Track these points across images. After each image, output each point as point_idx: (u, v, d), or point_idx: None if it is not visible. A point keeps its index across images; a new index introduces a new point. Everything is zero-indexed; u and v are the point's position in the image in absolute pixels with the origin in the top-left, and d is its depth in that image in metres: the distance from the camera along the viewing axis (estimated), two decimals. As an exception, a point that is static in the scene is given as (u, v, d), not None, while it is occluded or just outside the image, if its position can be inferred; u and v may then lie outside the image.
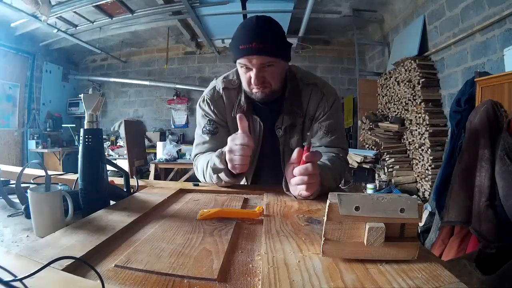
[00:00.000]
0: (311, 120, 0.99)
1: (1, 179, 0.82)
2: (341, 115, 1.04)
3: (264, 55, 0.84)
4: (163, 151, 3.54)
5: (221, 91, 1.00)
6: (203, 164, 0.92)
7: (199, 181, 0.99)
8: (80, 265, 0.41)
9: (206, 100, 1.00)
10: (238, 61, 0.87)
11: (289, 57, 0.93)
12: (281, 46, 0.88)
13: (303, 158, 0.72)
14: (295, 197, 0.78)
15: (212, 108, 1.00)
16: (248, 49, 0.83)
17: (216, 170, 0.85)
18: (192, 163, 1.05)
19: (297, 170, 0.72)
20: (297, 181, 0.73)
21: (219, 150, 0.84)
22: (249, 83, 0.90)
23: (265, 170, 1.06)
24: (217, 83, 1.02)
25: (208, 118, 1.01)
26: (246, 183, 1.08)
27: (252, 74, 0.87)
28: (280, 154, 1.00)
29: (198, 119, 1.04)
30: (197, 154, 1.01)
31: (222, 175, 0.84)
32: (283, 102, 0.97)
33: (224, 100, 1.00)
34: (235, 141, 0.76)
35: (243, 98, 0.98)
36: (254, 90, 0.91)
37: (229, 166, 0.79)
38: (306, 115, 0.99)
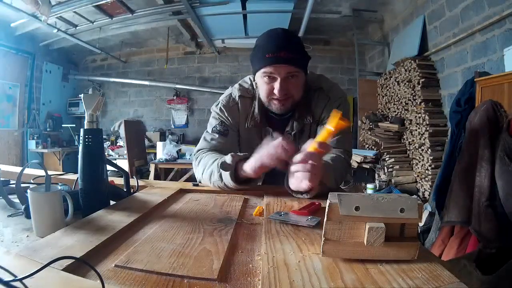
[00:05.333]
0: (317, 124, 1.00)
1: (1, 179, 0.82)
2: (347, 118, 1.04)
3: (292, 64, 0.85)
4: (163, 151, 3.54)
5: (237, 98, 1.01)
6: (208, 160, 0.90)
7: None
8: (80, 265, 0.41)
9: (221, 106, 1.02)
10: (263, 70, 0.87)
11: (307, 71, 0.95)
12: (305, 58, 0.90)
13: (314, 143, 0.70)
14: (291, 192, 0.77)
15: (226, 115, 1.01)
16: (277, 58, 0.83)
17: (224, 167, 0.82)
18: (192, 163, 1.05)
19: (298, 156, 0.69)
20: (299, 168, 0.70)
21: (233, 153, 0.83)
22: (270, 93, 0.90)
23: (274, 177, 1.06)
24: (233, 91, 1.04)
25: (220, 120, 1.02)
26: None
27: (277, 84, 0.86)
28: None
29: (210, 120, 1.05)
30: (201, 150, 1.00)
31: (226, 176, 0.82)
32: (294, 110, 0.98)
33: (239, 108, 1.01)
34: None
35: (256, 110, 0.99)
36: (274, 102, 0.91)
37: (271, 153, 0.74)
38: (313, 120, 0.99)
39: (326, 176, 0.79)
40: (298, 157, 0.70)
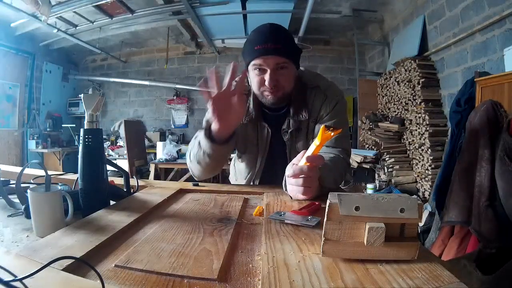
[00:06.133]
0: (315, 122, 1.00)
1: (1, 179, 0.82)
2: (344, 116, 1.03)
3: (279, 55, 0.86)
4: (163, 151, 3.54)
5: None
6: (190, 146, 0.94)
7: (199, 181, 0.99)
8: (80, 265, 0.41)
9: None
10: (252, 62, 0.88)
11: (299, 64, 0.95)
12: (294, 49, 0.91)
13: (304, 158, 0.71)
14: (291, 198, 0.78)
15: None
16: (264, 49, 0.85)
17: (200, 131, 0.87)
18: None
19: (291, 170, 0.70)
20: (292, 183, 0.72)
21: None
22: (261, 84, 0.90)
23: (273, 175, 1.06)
24: None
25: None
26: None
27: (267, 75, 0.88)
28: (287, 158, 1.01)
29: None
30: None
31: (202, 138, 0.85)
32: (289, 106, 0.98)
33: None
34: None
35: (251, 105, 0.99)
36: (266, 93, 0.92)
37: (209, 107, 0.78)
38: (310, 118, 0.99)
39: (326, 178, 0.79)
40: (290, 171, 0.71)
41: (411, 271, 0.40)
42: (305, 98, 0.99)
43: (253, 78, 0.92)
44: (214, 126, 0.82)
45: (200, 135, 0.87)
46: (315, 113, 0.99)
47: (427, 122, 2.73)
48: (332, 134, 0.66)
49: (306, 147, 1.00)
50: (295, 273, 0.40)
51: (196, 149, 0.88)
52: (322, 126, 0.67)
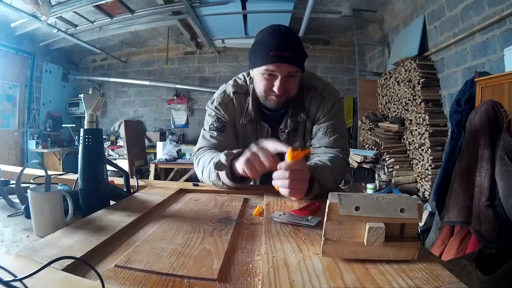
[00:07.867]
0: (312, 123, 1.01)
1: (1, 179, 0.82)
2: (341, 116, 1.04)
3: (294, 64, 0.87)
4: (163, 151, 3.54)
5: (231, 95, 1.02)
6: (206, 159, 0.91)
7: (199, 181, 0.99)
8: (80, 265, 0.41)
9: (217, 105, 1.03)
10: (265, 67, 0.87)
11: (304, 69, 0.96)
12: (304, 57, 0.92)
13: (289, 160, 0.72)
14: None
15: (222, 112, 1.02)
16: (280, 56, 0.85)
17: (218, 166, 0.82)
18: (192, 163, 1.05)
19: (278, 172, 0.72)
20: (277, 184, 0.74)
21: (227, 151, 0.83)
22: (269, 89, 0.90)
23: (269, 174, 1.07)
24: (228, 87, 1.04)
25: (217, 117, 1.02)
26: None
27: (277, 81, 0.88)
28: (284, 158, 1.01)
29: (206, 118, 1.06)
30: (200, 148, 1.01)
31: (223, 174, 0.82)
32: (287, 107, 0.99)
33: (235, 104, 1.02)
34: (263, 150, 0.75)
35: (250, 106, 0.99)
36: (271, 97, 0.92)
37: (242, 165, 0.75)
38: (308, 118, 1.00)
39: (324, 178, 0.79)
40: (277, 173, 0.73)
41: (411, 271, 0.40)
42: (302, 99, 1.00)
43: (260, 81, 0.92)
44: (241, 172, 0.79)
45: (221, 174, 0.83)
46: (312, 114, 1.00)
47: (427, 122, 2.73)
48: (301, 154, 0.70)
49: (302, 147, 1.01)
50: (295, 273, 0.40)
51: (216, 180, 0.87)
52: (290, 148, 0.70)
